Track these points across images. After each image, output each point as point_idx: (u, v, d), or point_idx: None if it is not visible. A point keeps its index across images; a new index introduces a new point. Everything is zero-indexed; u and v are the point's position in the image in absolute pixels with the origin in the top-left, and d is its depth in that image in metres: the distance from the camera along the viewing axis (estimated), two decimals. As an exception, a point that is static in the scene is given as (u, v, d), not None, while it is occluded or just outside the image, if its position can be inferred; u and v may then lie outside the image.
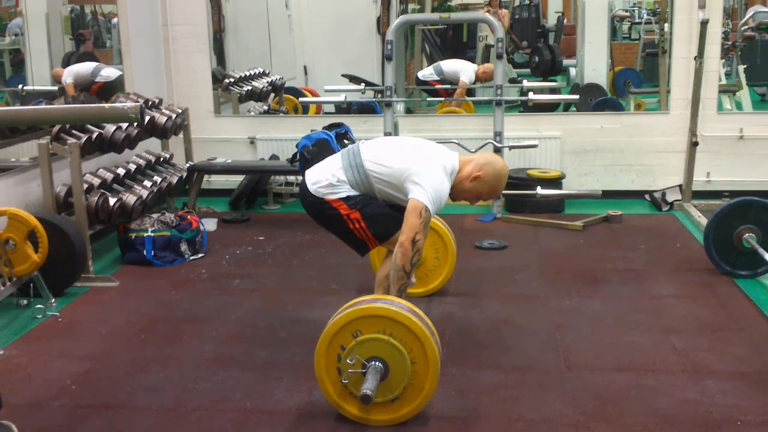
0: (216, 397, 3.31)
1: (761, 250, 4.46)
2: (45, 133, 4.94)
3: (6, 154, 5.18)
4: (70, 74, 6.32)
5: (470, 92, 8.24)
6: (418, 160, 3.46)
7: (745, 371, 3.45)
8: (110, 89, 6.35)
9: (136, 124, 5.33)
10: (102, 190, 5.06)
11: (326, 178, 3.55)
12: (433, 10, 10.50)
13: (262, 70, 7.95)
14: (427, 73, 8.28)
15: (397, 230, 3.49)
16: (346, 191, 3.52)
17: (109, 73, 6.50)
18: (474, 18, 8.87)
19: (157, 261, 5.10)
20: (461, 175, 3.55)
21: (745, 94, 7.96)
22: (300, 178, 6.21)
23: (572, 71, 9.54)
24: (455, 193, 3.62)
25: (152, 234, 5.12)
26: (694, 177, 6.22)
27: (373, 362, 2.94)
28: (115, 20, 6.53)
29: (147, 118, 5.66)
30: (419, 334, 2.95)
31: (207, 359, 3.70)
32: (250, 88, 7.56)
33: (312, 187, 3.58)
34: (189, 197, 6.23)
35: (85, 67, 6.50)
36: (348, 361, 2.95)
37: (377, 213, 3.55)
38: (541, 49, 9.69)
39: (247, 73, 7.69)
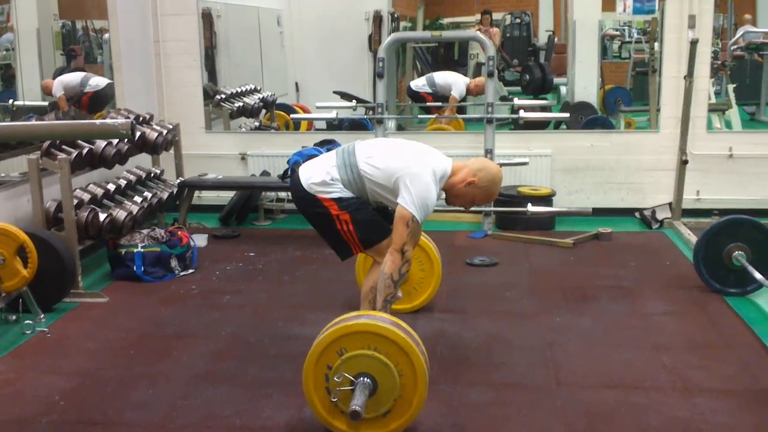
0: (205, 414, 3.29)
1: (751, 268, 4.47)
2: (35, 148, 4.92)
3: (-4, 169, 5.17)
4: (60, 86, 6.32)
5: (461, 109, 8.28)
6: (409, 163, 3.46)
7: (734, 389, 3.46)
8: (101, 98, 6.36)
9: (126, 140, 5.32)
10: (92, 206, 5.04)
11: (320, 174, 3.55)
12: (425, 28, 10.58)
13: (253, 87, 7.96)
14: (419, 84, 8.31)
15: (384, 238, 3.51)
16: (339, 191, 3.52)
17: (97, 82, 6.50)
18: (465, 36, 8.94)
19: (147, 277, 5.08)
20: (454, 180, 3.55)
21: (734, 113, 8.01)
22: (290, 194, 6.24)
23: (563, 89, 9.59)
24: (449, 197, 3.63)
25: (142, 250, 5.10)
26: (683, 195, 6.25)
27: (361, 378, 2.93)
28: (106, 36, 6.53)
29: (138, 133, 5.66)
30: (404, 346, 2.94)
31: (196, 375, 3.68)
32: (241, 104, 7.56)
33: (305, 183, 3.57)
34: (179, 213, 6.22)
35: (74, 78, 6.49)
36: (336, 379, 2.94)
37: (367, 218, 3.55)
38: (532, 68, 9.75)
39: (239, 90, 7.69)
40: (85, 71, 6.71)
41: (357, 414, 2.82)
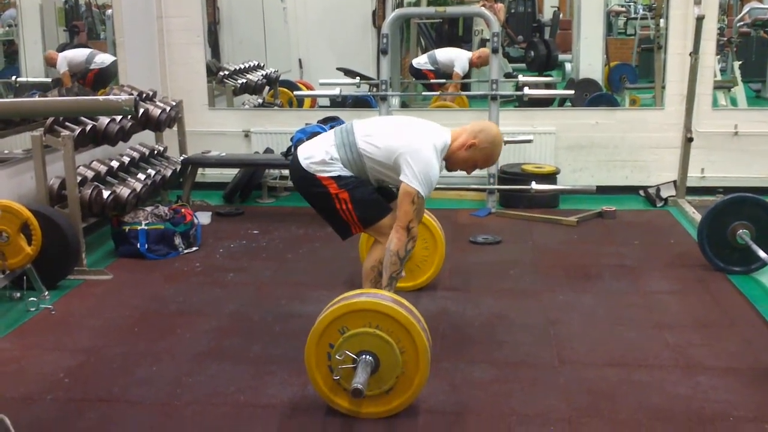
0: (209, 391, 3.31)
1: (755, 247, 4.47)
2: (38, 125, 4.92)
3: (-1, 146, 5.17)
4: (64, 62, 6.29)
5: (465, 86, 8.24)
6: (409, 139, 3.45)
7: (737, 367, 3.47)
8: (106, 75, 6.34)
9: (130, 116, 5.31)
10: (95, 183, 5.04)
11: (319, 154, 3.54)
12: (429, 3, 10.48)
13: (257, 63, 7.93)
14: (421, 61, 8.26)
15: (383, 217, 3.51)
16: (338, 170, 3.51)
17: (103, 59, 6.48)
18: (470, 12, 8.85)
19: (151, 254, 5.09)
20: (455, 146, 3.54)
21: (740, 91, 7.96)
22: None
23: (567, 66, 9.54)
24: (451, 163, 3.61)
25: (146, 227, 5.10)
26: (688, 173, 6.23)
27: (363, 356, 2.94)
28: (109, 12, 6.50)
29: (141, 110, 5.64)
30: (405, 323, 2.95)
31: (200, 353, 3.69)
32: (244, 80, 7.54)
33: (304, 162, 3.57)
34: (183, 190, 6.21)
35: (80, 54, 6.47)
36: (338, 357, 2.95)
37: (366, 197, 3.55)
38: (537, 44, 9.69)
39: (242, 66, 7.67)
40: (89, 47, 6.69)
41: (359, 392, 2.83)
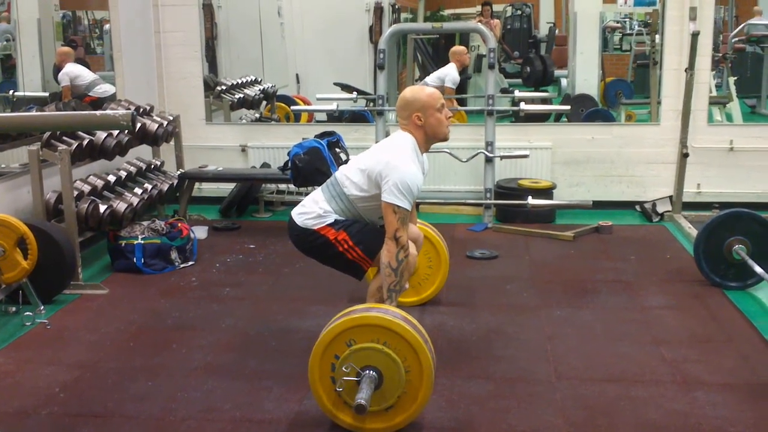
0: (205, 407, 3.30)
1: (751, 262, 4.47)
2: (35, 140, 4.92)
3: (-4, 160, 5.17)
4: (67, 78, 6.28)
5: (462, 102, 8.25)
6: (378, 158, 3.49)
7: (734, 383, 3.46)
8: (101, 104, 6.35)
9: (127, 131, 5.32)
10: (92, 197, 5.04)
11: (313, 210, 3.60)
12: (426, 19, 10.53)
13: (254, 78, 7.95)
14: None
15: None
16: (334, 218, 3.57)
17: (105, 89, 6.45)
18: (466, 28, 8.90)
19: (147, 269, 5.08)
20: (415, 134, 3.56)
21: (735, 106, 8.00)
22: (290, 186, 6.25)
23: (563, 82, 9.58)
24: (428, 143, 3.62)
25: (142, 241, 5.10)
26: (684, 188, 6.24)
27: (368, 371, 2.94)
28: (107, 26, 6.51)
29: (138, 125, 5.65)
30: (413, 343, 2.94)
31: (196, 368, 3.68)
32: (242, 95, 7.55)
33: (299, 220, 3.62)
34: (180, 205, 6.21)
35: (84, 75, 6.43)
36: (343, 369, 2.94)
37: (363, 229, 3.59)
38: (533, 60, 9.73)
39: (239, 81, 7.69)
40: (86, 62, 6.69)
41: (362, 408, 2.82)
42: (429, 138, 3.60)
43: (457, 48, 7.71)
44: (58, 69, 6.31)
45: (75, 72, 6.37)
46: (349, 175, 3.57)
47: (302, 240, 3.65)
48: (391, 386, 2.96)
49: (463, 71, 8.07)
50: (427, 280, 4.39)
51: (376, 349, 2.94)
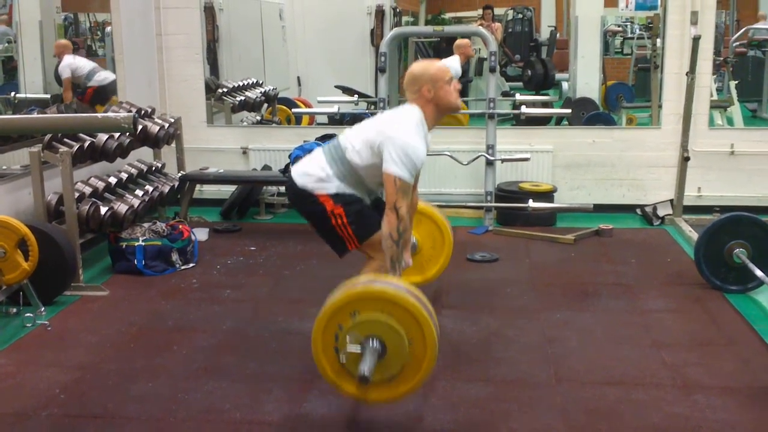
0: (205, 408, 3.30)
1: (751, 266, 4.47)
2: (37, 141, 4.92)
3: (-3, 162, 5.17)
4: (68, 68, 6.28)
5: (463, 103, 8.25)
6: (383, 128, 3.48)
7: (734, 386, 3.46)
8: (104, 93, 6.34)
9: (128, 133, 5.32)
10: (93, 199, 5.04)
11: (315, 171, 3.57)
12: (427, 23, 10.55)
13: (255, 81, 7.95)
14: None
15: (376, 231, 3.50)
16: (335, 188, 3.54)
17: (105, 76, 6.46)
18: (467, 31, 8.90)
19: (148, 270, 5.08)
20: (425, 108, 3.53)
21: (736, 110, 7.99)
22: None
23: (564, 85, 9.58)
24: (437, 117, 3.58)
25: (143, 243, 5.10)
26: (685, 192, 6.24)
27: (371, 341, 2.92)
28: (108, 29, 6.52)
29: (139, 127, 5.65)
30: (417, 315, 2.93)
31: (197, 369, 3.68)
32: (243, 98, 7.55)
33: (300, 180, 3.59)
34: (181, 207, 6.21)
35: (83, 66, 6.43)
36: (347, 338, 2.92)
37: (361, 212, 3.58)
38: (534, 63, 9.75)
39: (241, 83, 7.69)
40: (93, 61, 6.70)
41: (365, 379, 2.82)
42: (440, 110, 3.57)
43: (462, 41, 7.69)
44: (59, 54, 6.32)
45: (75, 63, 6.38)
46: (352, 142, 3.55)
47: (300, 201, 3.63)
48: (394, 356, 2.94)
49: (462, 75, 8.07)
50: (430, 261, 4.40)
51: (380, 320, 2.92)
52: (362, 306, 2.96)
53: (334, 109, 6.57)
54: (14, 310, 4.36)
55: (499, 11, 11.40)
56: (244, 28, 8.55)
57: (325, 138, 5.72)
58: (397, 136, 3.40)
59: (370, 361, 2.87)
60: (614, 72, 9.89)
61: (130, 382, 3.55)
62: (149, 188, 5.64)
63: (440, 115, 3.62)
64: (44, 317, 4.30)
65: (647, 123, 7.50)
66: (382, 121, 3.59)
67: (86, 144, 5.10)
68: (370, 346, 2.91)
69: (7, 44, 6.33)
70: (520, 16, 11.69)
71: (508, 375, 3.61)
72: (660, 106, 6.63)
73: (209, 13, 7.26)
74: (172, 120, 6.15)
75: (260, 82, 8.03)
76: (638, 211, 6.52)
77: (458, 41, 7.78)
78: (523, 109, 6.28)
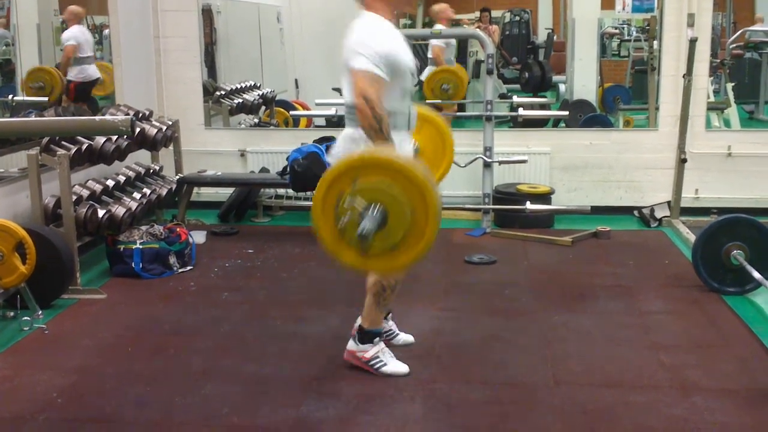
0: (203, 412, 3.29)
1: (749, 267, 4.48)
2: (34, 144, 4.92)
3: (-5, 165, 5.16)
4: (74, 39, 6.27)
5: (461, 107, 8.26)
6: (346, 54, 3.26)
7: (733, 388, 3.46)
8: (87, 88, 6.34)
9: (126, 136, 5.32)
10: (91, 202, 5.04)
11: (343, 142, 3.42)
12: (424, 25, 10.56)
13: (253, 83, 7.95)
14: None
15: None
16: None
17: (90, 72, 6.44)
18: (465, 34, 8.92)
19: (146, 273, 5.07)
20: (380, 6, 3.31)
21: (733, 112, 8.01)
22: (289, 191, 6.26)
23: (562, 87, 9.60)
24: (396, 7, 3.43)
25: (141, 246, 5.09)
26: (682, 193, 6.25)
27: (372, 205, 2.90)
28: (106, 32, 6.52)
29: (137, 130, 5.65)
30: (418, 183, 2.92)
31: (194, 373, 3.68)
32: (241, 100, 7.56)
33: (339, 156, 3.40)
34: (178, 209, 6.21)
35: (85, 48, 6.40)
36: (348, 199, 2.90)
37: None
38: (531, 65, 9.76)
39: (238, 86, 7.69)
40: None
41: (365, 237, 2.81)
42: (393, 4, 3.37)
43: (438, 5, 7.61)
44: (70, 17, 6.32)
45: (81, 38, 6.35)
46: (345, 92, 3.37)
47: None
48: (396, 224, 2.92)
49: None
50: (431, 168, 4.33)
51: (381, 187, 2.90)
52: (365, 174, 2.92)
53: (331, 111, 6.56)
54: (11, 313, 4.35)
55: (496, 14, 11.43)
56: (242, 30, 8.56)
57: (323, 140, 5.73)
58: (362, 40, 3.21)
59: (371, 220, 2.84)
60: (611, 74, 9.91)
61: (127, 385, 3.55)
62: (147, 191, 5.64)
63: (394, 7, 3.40)
64: (42, 321, 4.29)
65: (644, 125, 7.50)
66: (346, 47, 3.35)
67: (84, 147, 5.10)
68: (371, 209, 2.88)
69: (4, 47, 6.33)
70: (517, 18, 11.73)
71: (506, 377, 3.61)
72: (657, 108, 6.63)
73: (207, 15, 7.26)
74: (170, 123, 6.15)
75: (258, 84, 8.03)
76: (636, 213, 6.53)
77: (434, 6, 7.66)
78: (521, 111, 6.29)
